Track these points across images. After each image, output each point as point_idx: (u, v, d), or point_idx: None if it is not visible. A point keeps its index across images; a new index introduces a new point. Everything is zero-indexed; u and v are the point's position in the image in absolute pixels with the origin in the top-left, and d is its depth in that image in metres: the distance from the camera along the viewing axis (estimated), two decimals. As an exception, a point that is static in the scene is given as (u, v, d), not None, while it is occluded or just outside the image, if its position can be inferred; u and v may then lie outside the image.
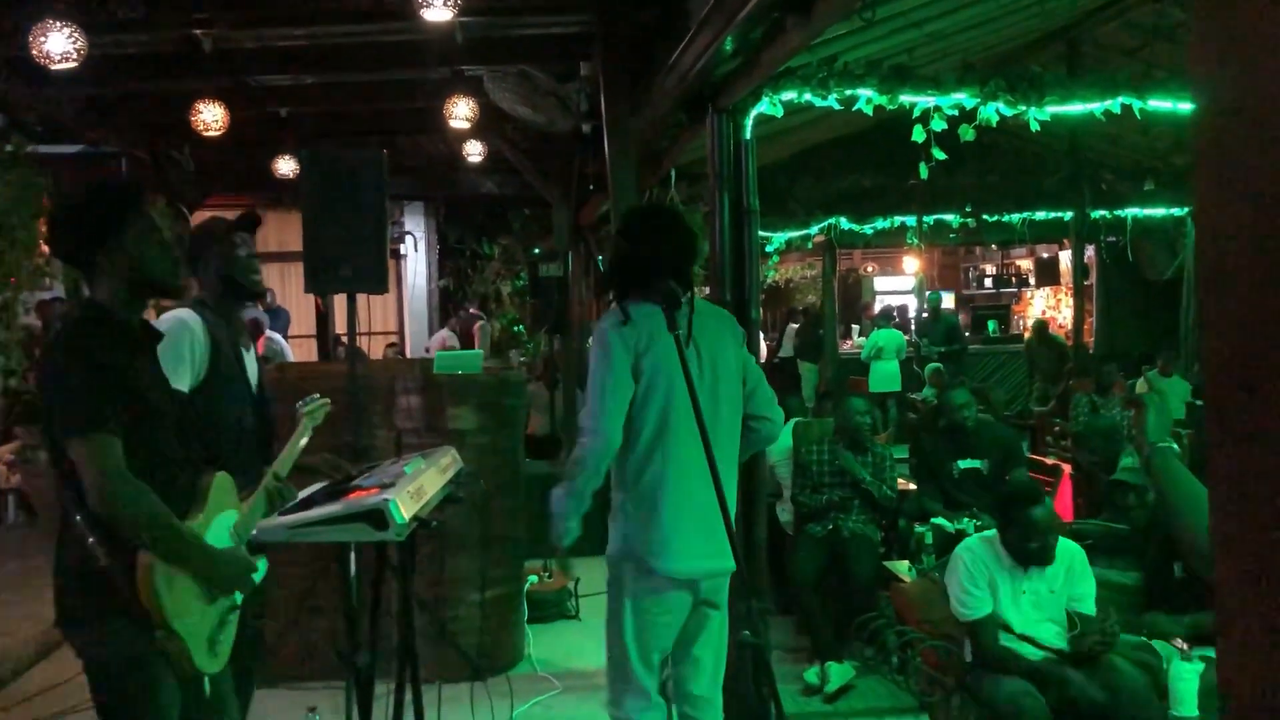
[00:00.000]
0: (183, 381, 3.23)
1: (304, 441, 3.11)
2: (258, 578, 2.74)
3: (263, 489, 2.90)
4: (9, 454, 8.75)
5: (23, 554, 7.21)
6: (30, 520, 8.67)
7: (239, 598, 2.73)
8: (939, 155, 5.09)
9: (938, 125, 5.01)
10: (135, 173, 7.73)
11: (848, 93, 4.77)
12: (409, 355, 13.03)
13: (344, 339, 9.54)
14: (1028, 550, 3.83)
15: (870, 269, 19.25)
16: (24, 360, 7.66)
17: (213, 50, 5.80)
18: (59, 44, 4.38)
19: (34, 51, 4.44)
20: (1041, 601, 3.90)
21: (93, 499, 2.35)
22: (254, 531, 2.80)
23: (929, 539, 5.33)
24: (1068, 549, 3.96)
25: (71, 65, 4.49)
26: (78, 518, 2.41)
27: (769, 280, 16.54)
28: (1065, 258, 14.90)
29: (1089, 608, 3.90)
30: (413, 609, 3.53)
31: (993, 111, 5.00)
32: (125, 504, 2.36)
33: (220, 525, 2.64)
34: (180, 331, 3.26)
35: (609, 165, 4.80)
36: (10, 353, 7.72)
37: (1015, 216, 10.73)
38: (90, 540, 2.40)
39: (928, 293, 14.71)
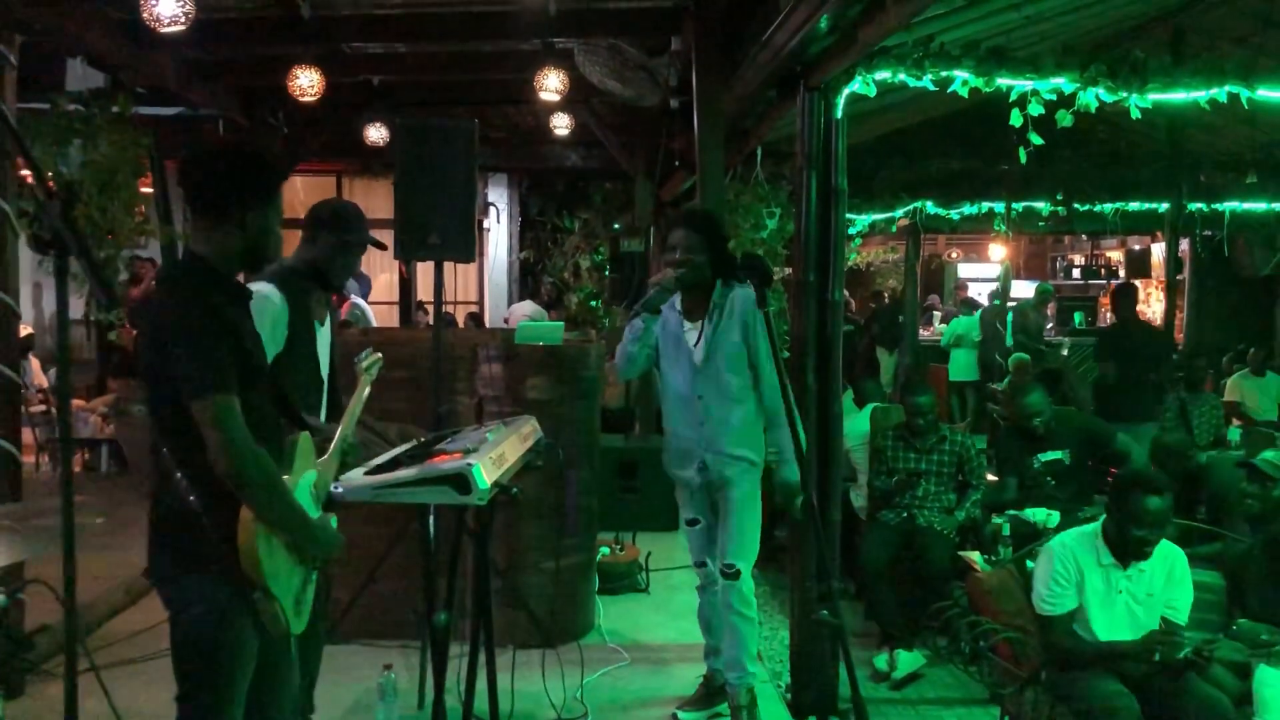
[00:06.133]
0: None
1: (365, 394, 3.14)
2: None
3: (335, 448, 2.89)
4: (104, 405, 9.05)
5: (114, 503, 7.44)
6: (122, 470, 8.97)
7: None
8: (1036, 141, 4.96)
9: (1034, 110, 4.88)
10: (230, 135, 7.92)
11: (943, 74, 4.65)
12: (488, 325, 13.16)
13: (427, 305, 9.62)
14: (1131, 538, 3.67)
15: (954, 254, 18.92)
16: (121, 314, 7.90)
17: (311, 17, 5.89)
18: (169, 7, 4.49)
19: (145, 14, 4.56)
20: (1138, 604, 3.74)
21: (218, 462, 2.31)
22: (336, 489, 2.84)
23: (1005, 530, 5.25)
24: (1170, 552, 3.81)
25: (179, 28, 4.61)
26: (178, 475, 2.39)
27: (849, 263, 16.31)
28: (1158, 250, 14.48)
29: (1182, 618, 3.75)
30: (489, 572, 3.59)
31: (1092, 97, 4.86)
32: (251, 468, 2.33)
33: (303, 486, 2.65)
34: (263, 306, 3.35)
35: (698, 141, 4.76)
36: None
37: (1108, 206, 10.44)
38: (191, 498, 2.38)
39: (1036, 284, 14.09)
